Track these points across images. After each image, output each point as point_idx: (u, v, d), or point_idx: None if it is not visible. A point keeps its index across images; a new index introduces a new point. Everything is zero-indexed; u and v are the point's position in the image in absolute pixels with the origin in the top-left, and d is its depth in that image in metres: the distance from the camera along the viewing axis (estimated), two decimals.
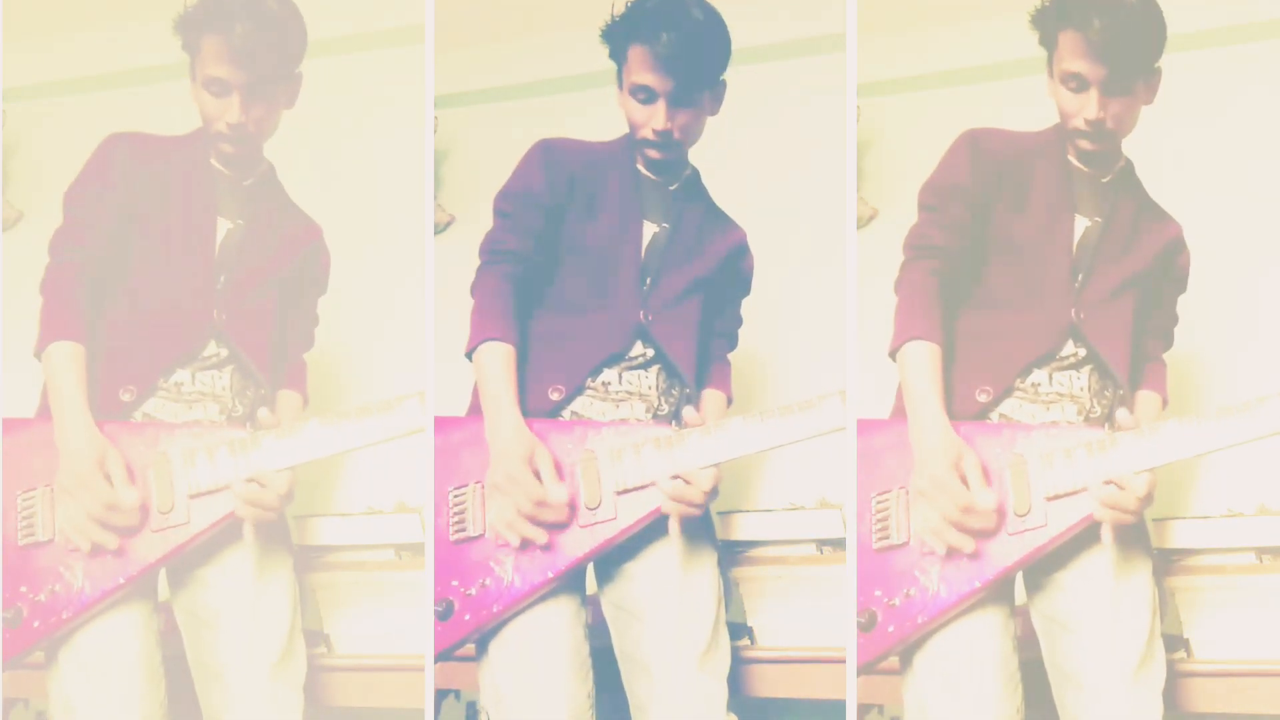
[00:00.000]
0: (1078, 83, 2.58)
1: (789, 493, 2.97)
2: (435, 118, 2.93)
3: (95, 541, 2.63)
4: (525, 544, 2.62)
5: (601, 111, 2.77)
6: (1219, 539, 2.79)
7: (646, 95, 2.65)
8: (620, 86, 2.70)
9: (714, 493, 2.65)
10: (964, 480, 2.57)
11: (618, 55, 2.68)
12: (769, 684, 2.81)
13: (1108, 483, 2.55)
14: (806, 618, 2.84)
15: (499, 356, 2.63)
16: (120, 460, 2.64)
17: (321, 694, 2.79)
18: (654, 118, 2.66)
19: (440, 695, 2.90)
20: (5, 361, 2.87)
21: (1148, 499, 2.56)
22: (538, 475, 2.61)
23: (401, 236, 2.92)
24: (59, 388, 2.64)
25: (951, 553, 2.57)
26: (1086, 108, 2.59)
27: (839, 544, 2.86)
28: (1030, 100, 2.72)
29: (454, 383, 2.76)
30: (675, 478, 2.62)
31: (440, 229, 3.09)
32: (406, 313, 2.86)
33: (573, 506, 2.62)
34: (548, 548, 2.62)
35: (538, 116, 3.17)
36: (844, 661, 2.68)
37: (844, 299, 2.79)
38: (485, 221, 2.77)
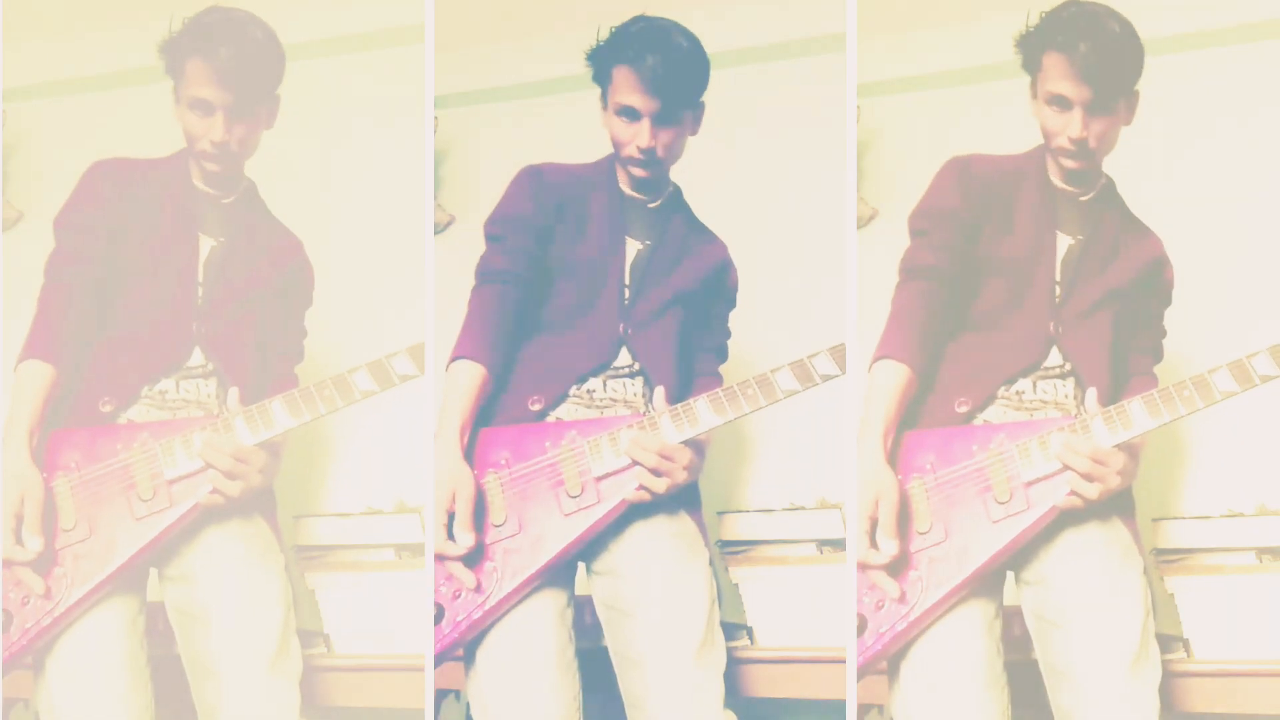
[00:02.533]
0: (1062, 103, 2.63)
1: (789, 493, 2.97)
2: (435, 118, 2.93)
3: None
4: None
5: (601, 112, 2.77)
6: (1219, 539, 2.79)
7: (631, 115, 2.70)
8: (605, 107, 2.74)
9: (695, 468, 2.68)
10: (874, 521, 2.61)
11: (602, 77, 2.73)
12: (769, 684, 2.81)
13: (1082, 455, 2.57)
14: (806, 618, 2.84)
15: (465, 376, 2.68)
16: (38, 504, 2.67)
17: (321, 694, 2.79)
18: (638, 136, 2.71)
19: (440, 695, 2.89)
20: (5, 362, 2.87)
21: (1123, 471, 2.59)
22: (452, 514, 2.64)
23: (401, 236, 2.92)
24: (13, 411, 2.71)
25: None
26: (1070, 127, 2.63)
27: (839, 544, 2.86)
28: (1029, 99, 2.72)
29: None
30: (660, 455, 2.64)
31: (440, 229, 3.09)
32: (406, 313, 2.86)
33: (482, 549, 2.65)
34: (533, 540, 2.65)
35: (538, 117, 3.17)
36: (844, 661, 2.68)
37: (844, 299, 2.79)
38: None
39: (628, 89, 2.69)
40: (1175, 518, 2.84)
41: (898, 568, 2.60)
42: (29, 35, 3.02)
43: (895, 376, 2.64)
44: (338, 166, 2.97)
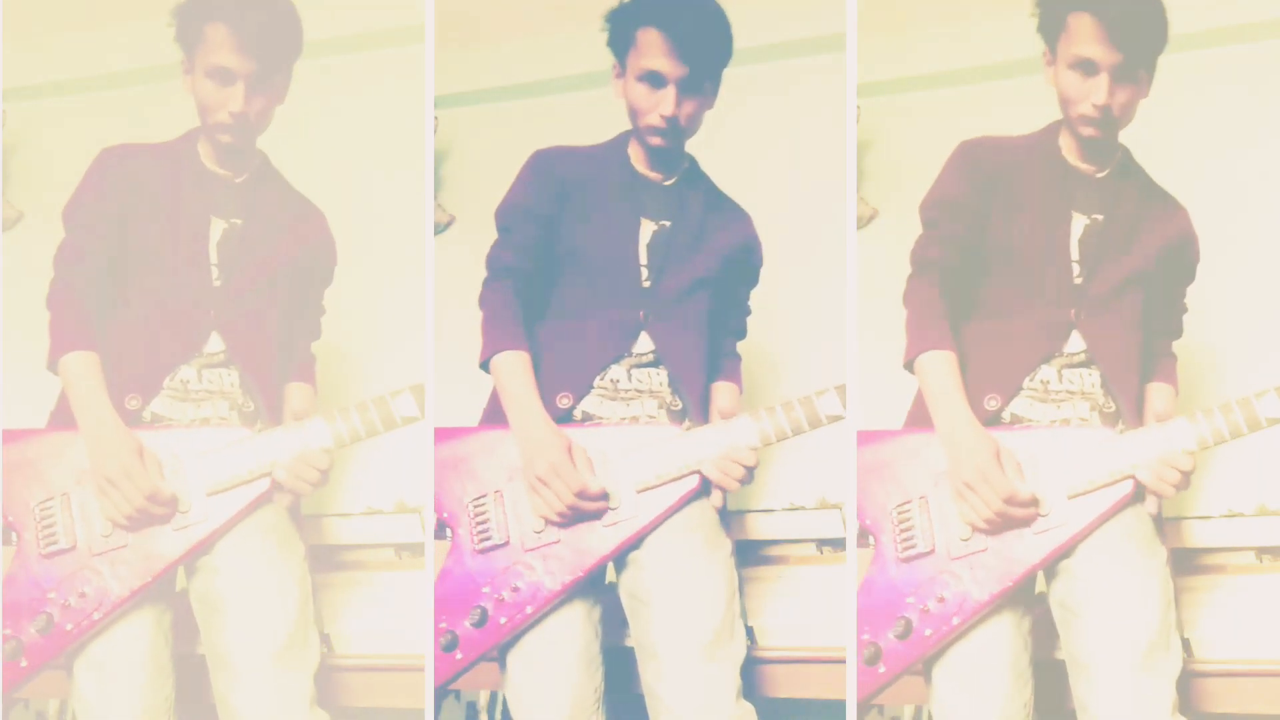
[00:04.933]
0: (1088, 67, 2.56)
1: (789, 493, 2.97)
2: (435, 118, 2.93)
3: (143, 520, 2.66)
4: (572, 524, 2.65)
5: (601, 111, 2.77)
6: (1219, 539, 2.80)
7: (656, 80, 2.63)
8: (621, 73, 2.68)
9: (750, 473, 2.67)
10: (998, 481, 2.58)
11: (623, 40, 2.66)
12: (769, 684, 2.81)
13: (1160, 461, 2.57)
14: (806, 618, 2.84)
15: (516, 363, 2.65)
16: (154, 454, 2.66)
17: (321, 694, 2.79)
18: (662, 103, 2.64)
19: (440, 695, 2.89)
20: (5, 363, 2.87)
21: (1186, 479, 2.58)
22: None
23: (401, 236, 2.92)
24: (83, 392, 2.66)
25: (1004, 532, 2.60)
26: (1095, 93, 2.56)
27: (839, 544, 2.86)
28: (1030, 100, 2.72)
29: (453, 387, 2.77)
30: (724, 457, 2.64)
31: (440, 229, 3.09)
32: (406, 313, 2.86)
33: (605, 498, 2.65)
34: (574, 548, 2.65)
35: (538, 116, 3.17)
36: (844, 661, 2.68)
37: (844, 299, 2.79)
38: (485, 221, 2.77)
39: (655, 52, 2.62)
40: (1175, 517, 2.84)
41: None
42: (29, 35, 3.02)
43: (946, 362, 2.61)
44: (337, 167, 2.96)
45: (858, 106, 2.85)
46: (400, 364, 2.87)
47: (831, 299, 2.84)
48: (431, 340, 2.79)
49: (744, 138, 2.98)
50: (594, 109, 2.79)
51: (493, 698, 3.04)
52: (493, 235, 2.75)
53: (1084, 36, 2.55)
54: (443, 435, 2.72)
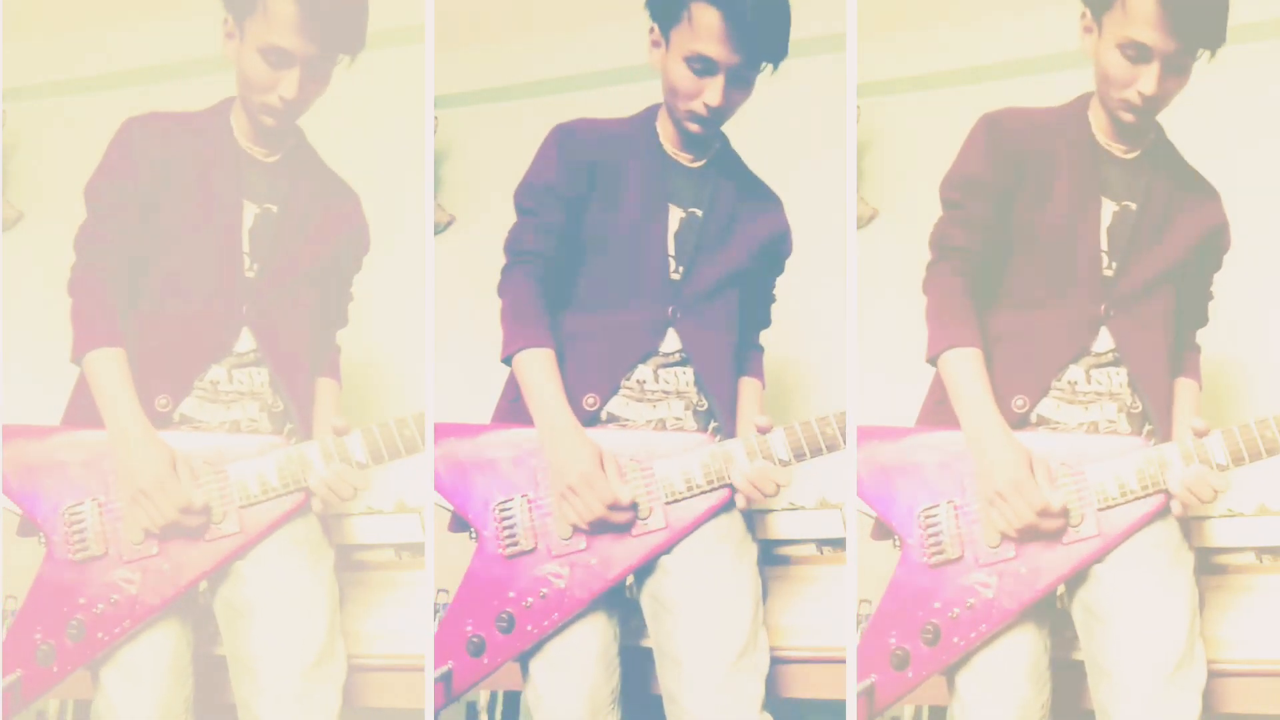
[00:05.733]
0: (1140, 52, 2.42)
1: (789, 493, 2.96)
2: (435, 118, 2.93)
3: (175, 532, 2.61)
4: (599, 533, 2.60)
5: (604, 111, 2.77)
6: (1219, 539, 2.79)
7: (705, 66, 2.51)
8: (662, 43, 2.55)
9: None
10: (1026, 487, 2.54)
11: (672, 9, 2.50)
12: (769, 684, 2.80)
13: (1209, 487, 2.51)
14: (806, 618, 2.84)
15: (543, 362, 2.57)
16: (188, 463, 2.61)
17: None
18: (708, 92, 2.51)
19: (440, 695, 2.89)
20: (5, 362, 2.87)
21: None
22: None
23: (401, 236, 2.92)
24: (113, 396, 2.57)
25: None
26: (1144, 81, 2.44)
27: (839, 544, 2.86)
28: (1032, 99, 2.71)
29: (453, 387, 2.76)
30: (759, 473, 2.58)
31: (440, 229, 3.09)
32: (406, 313, 2.86)
33: (635, 508, 2.60)
34: (601, 556, 2.62)
35: (537, 116, 3.16)
36: (844, 661, 2.68)
37: (844, 299, 2.79)
38: (485, 221, 2.77)
39: (710, 36, 2.45)
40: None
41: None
42: (29, 35, 3.02)
43: (973, 361, 2.53)
44: (338, 167, 2.96)
45: (858, 106, 2.85)
46: (400, 364, 2.87)
47: (832, 299, 2.84)
48: (431, 340, 2.79)
49: (743, 138, 2.98)
50: (596, 109, 2.79)
51: (492, 698, 3.04)
52: (493, 234, 2.74)
53: (1142, 19, 2.40)
54: (465, 431, 2.69)
